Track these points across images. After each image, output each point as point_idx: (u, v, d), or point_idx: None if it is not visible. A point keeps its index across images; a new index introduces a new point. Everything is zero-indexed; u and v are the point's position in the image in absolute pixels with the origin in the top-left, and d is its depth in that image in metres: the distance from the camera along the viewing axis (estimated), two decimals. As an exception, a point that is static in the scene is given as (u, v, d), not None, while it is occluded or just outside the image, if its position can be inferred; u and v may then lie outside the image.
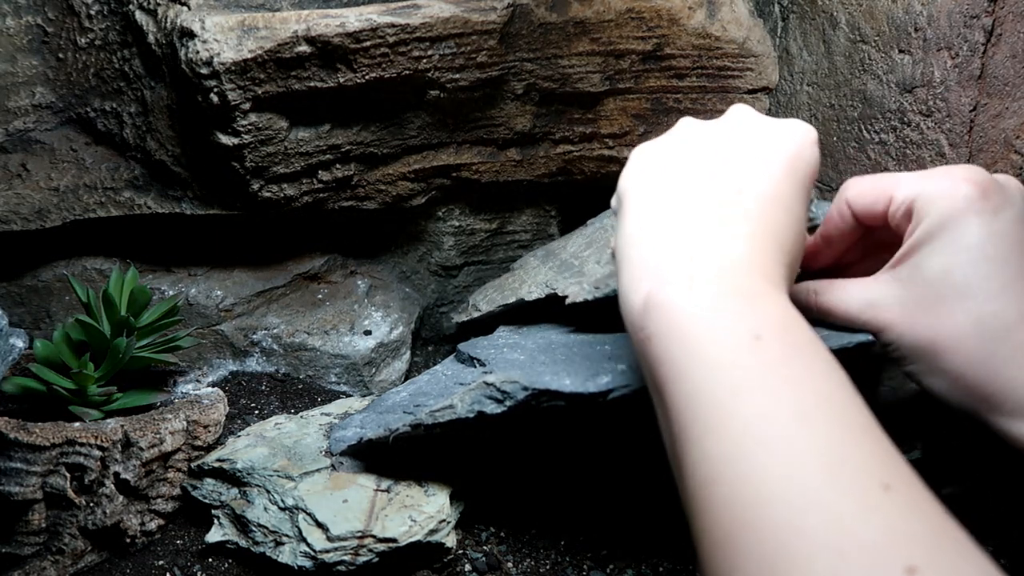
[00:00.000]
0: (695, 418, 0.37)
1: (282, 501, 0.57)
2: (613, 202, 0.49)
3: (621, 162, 0.79)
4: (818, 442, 0.34)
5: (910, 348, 0.47)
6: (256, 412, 0.70)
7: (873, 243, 0.54)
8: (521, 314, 0.70)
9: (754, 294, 0.40)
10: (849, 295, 0.50)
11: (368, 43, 0.65)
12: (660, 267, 0.42)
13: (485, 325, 0.72)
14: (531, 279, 0.70)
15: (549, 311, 0.68)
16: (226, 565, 0.57)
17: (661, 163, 0.47)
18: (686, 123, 0.49)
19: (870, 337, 0.54)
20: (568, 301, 0.63)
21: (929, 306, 0.46)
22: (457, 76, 0.69)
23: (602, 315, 0.63)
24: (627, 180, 0.47)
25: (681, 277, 0.41)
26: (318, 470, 0.59)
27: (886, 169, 0.72)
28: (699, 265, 0.41)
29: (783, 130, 0.47)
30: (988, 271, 0.45)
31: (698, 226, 0.43)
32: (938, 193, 0.47)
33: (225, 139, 0.66)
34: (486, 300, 0.72)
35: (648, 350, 0.40)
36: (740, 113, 0.49)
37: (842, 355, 0.54)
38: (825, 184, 0.81)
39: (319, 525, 0.54)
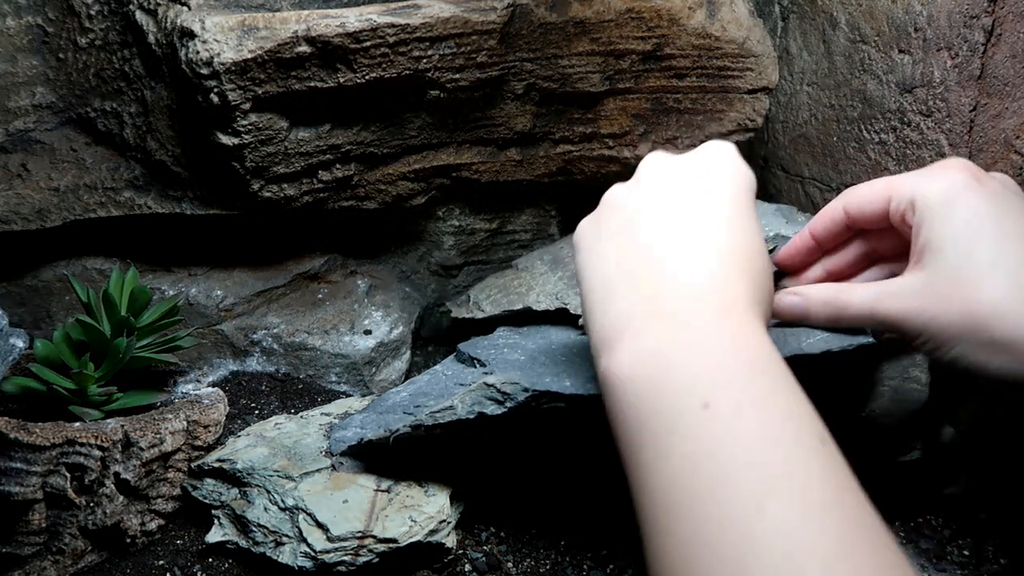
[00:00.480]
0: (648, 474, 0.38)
1: (282, 501, 0.57)
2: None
3: (621, 162, 0.79)
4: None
5: (949, 328, 0.46)
6: (256, 412, 0.70)
7: (864, 254, 0.54)
8: (522, 314, 0.70)
9: (701, 339, 0.40)
10: (863, 291, 0.50)
11: (368, 43, 0.65)
12: (609, 329, 0.42)
13: (484, 323, 0.72)
14: (539, 287, 0.70)
15: (549, 312, 0.68)
16: (226, 565, 0.57)
17: (601, 228, 0.47)
18: (611, 193, 0.49)
19: (871, 339, 0.54)
20: (581, 322, 0.63)
21: (960, 283, 0.46)
22: (457, 76, 0.69)
23: None
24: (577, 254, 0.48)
25: (628, 337, 0.41)
26: (318, 470, 0.59)
27: (886, 169, 0.73)
28: (642, 318, 0.41)
29: (702, 160, 0.47)
30: (1009, 240, 0.46)
31: (641, 274, 0.43)
32: (937, 185, 0.48)
33: (225, 139, 0.66)
34: (490, 301, 0.72)
35: (608, 406, 0.41)
36: (652, 163, 0.49)
37: (842, 356, 0.55)
38: (825, 184, 0.81)
39: (319, 525, 0.54)
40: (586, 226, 0.49)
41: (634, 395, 0.39)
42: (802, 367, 0.43)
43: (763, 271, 0.45)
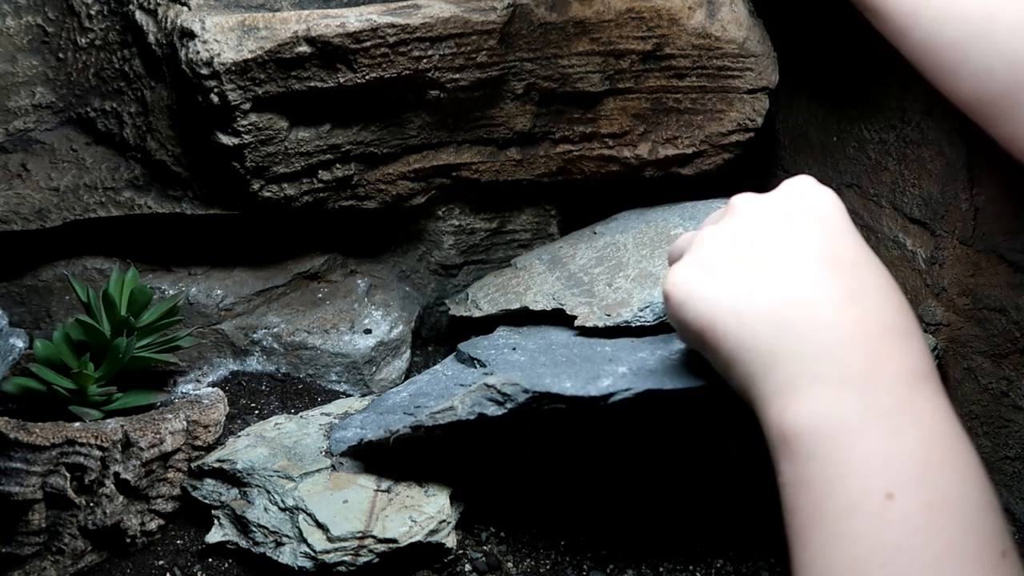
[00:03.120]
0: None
1: (282, 501, 0.57)
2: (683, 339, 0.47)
3: (621, 162, 0.79)
4: None
5: None
6: (256, 412, 0.70)
7: None
8: (519, 314, 0.70)
9: (889, 414, 0.38)
10: None
11: (368, 43, 0.65)
12: (777, 376, 0.40)
13: (483, 322, 0.72)
14: (536, 286, 0.70)
15: (546, 312, 0.68)
16: (226, 565, 0.57)
17: (719, 271, 0.45)
18: (711, 233, 0.47)
19: None
20: (577, 323, 0.63)
21: None
22: (457, 76, 0.69)
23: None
24: (696, 313, 0.45)
25: (804, 393, 0.39)
26: (318, 470, 0.59)
27: (886, 169, 0.73)
28: (816, 378, 0.39)
29: (801, 197, 0.46)
30: None
31: (797, 326, 0.41)
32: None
33: (225, 139, 0.66)
34: (488, 300, 0.72)
35: (779, 459, 0.39)
36: (747, 201, 0.47)
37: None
38: (824, 183, 0.81)
39: (319, 526, 0.55)
40: (691, 271, 0.46)
41: (811, 457, 0.37)
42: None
43: (915, 318, 0.43)
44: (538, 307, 0.67)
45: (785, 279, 0.43)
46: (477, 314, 0.71)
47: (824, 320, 0.41)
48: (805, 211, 0.46)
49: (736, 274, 0.44)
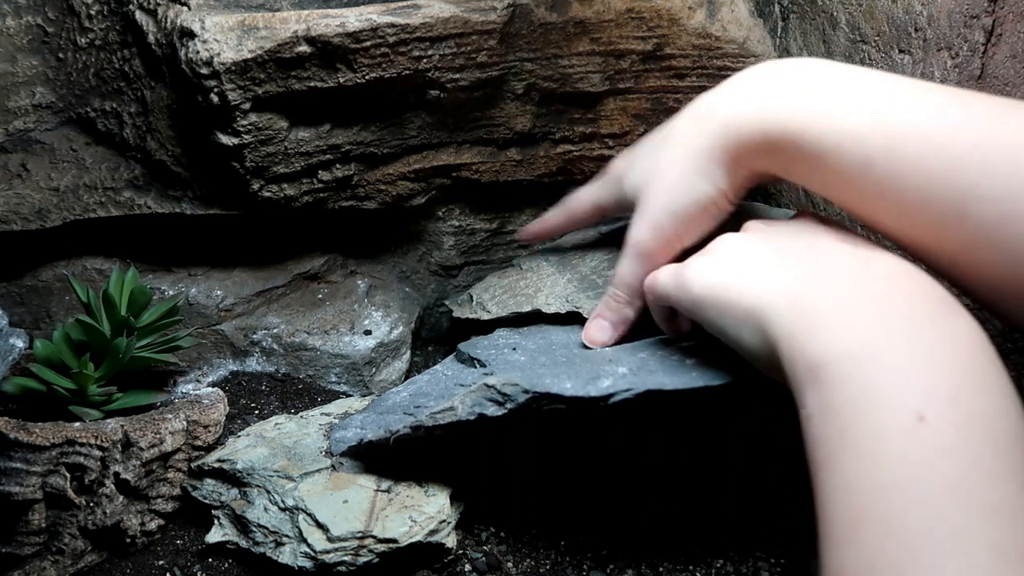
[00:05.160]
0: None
1: (282, 501, 0.57)
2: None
3: (621, 162, 0.79)
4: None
5: None
6: (256, 412, 0.70)
7: None
8: (531, 317, 0.69)
9: (917, 338, 0.38)
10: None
11: (368, 43, 0.65)
12: (807, 316, 0.42)
13: (487, 324, 0.71)
14: (547, 288, 0.69)
15: (560, 315, 0.67)
16: (226, 565, 0.57)
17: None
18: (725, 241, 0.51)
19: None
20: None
21: None
22: (457, 76, 0.69)
23: None
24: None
25: (833, 324, 0.40)
26: (318, 470, 0.59)
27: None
28: (845, 308, 0.41)
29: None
30: None
31: (831, 277, 0.44)
32: None
33: (225, 139, 0.66)
34: (496, 302, 0.71)
35: (803, 393, 0.40)
36: (766, 223, 0.52)
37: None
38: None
39: (319, 526, 0.55)
40: (706, 264, 0.50)
41: (838, 383, 0.37)
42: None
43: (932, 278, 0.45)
44: (551, 310, 0.66)
45: (808, 250, 0.46)
46: (485, 316, 0.70)
47: (846, 268, 0.44)
48: (812, 218, 0.50)
49: (759, 255, 0.48)
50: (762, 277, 0.46)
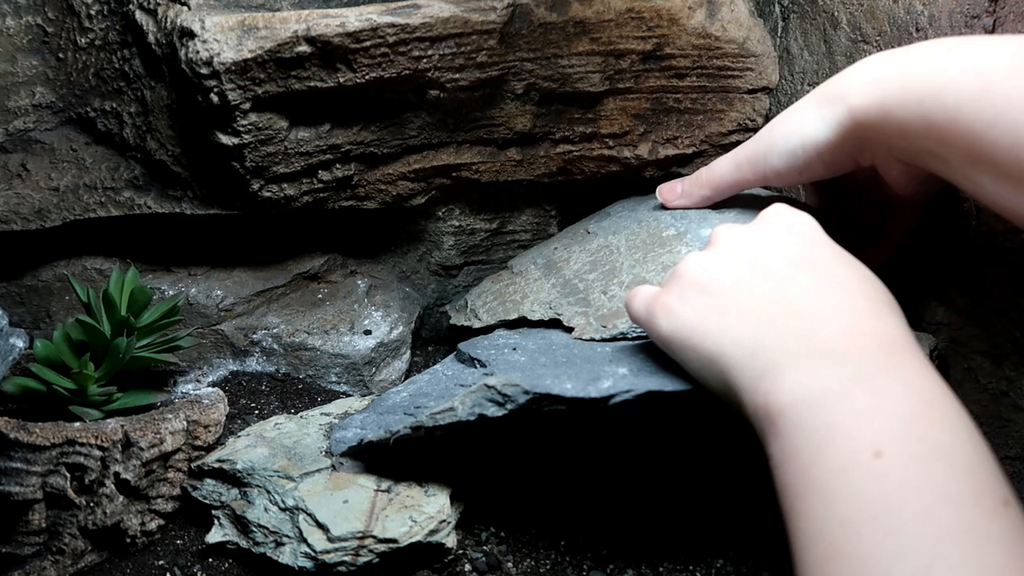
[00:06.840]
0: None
1: (282, 501, 0.57)
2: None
3: (621, 162, 0.79)
4: None
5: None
6: (256, 412, 0.70)
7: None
8: (518, 324, 0.69)
9: (871, 378, 0.39)
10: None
11: (368, 43, 0.65)
12: (761, 365, 0.43)
13: (475, 331, 0.72)
14: (533, 295, 0.69)
15: (543, 322, 0.68)
16: (226, 565, 0.57)
17: (704, 300, 0.48)
18: (690, 264, 0.51)
19: None
20: (574, 335, 0.63)
21: None
22: (457, 76, 0.69)
23: None
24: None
25: (789, 370, 0.41)
26: (318, 470, 0.59)
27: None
28: (799, 356, 0.41)
29: (777, 220, 0.50)
30: None
31: (783, 320, 0.44)
32: None
33: (225, 139, 0.66)
34: (487, 310, 0.72)
35: (769, 439, 0.41)
36: (728, 231, 0.51)
37: None
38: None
39: (320, 526, 0.55)
40: (672, 302, 0.50)
41: (796, 428, 0.38)
42: None
43: (895, 303, 0.45)
44: (535, 317, 0.67)
45: (766, 282, 0.46)
46: (477, 324, 0.71)
47: (802, 310, 0.44)
48: (782, 227, 0.49)
49: (721, 288, 0.48)
50: (723, 322, 0.46)
